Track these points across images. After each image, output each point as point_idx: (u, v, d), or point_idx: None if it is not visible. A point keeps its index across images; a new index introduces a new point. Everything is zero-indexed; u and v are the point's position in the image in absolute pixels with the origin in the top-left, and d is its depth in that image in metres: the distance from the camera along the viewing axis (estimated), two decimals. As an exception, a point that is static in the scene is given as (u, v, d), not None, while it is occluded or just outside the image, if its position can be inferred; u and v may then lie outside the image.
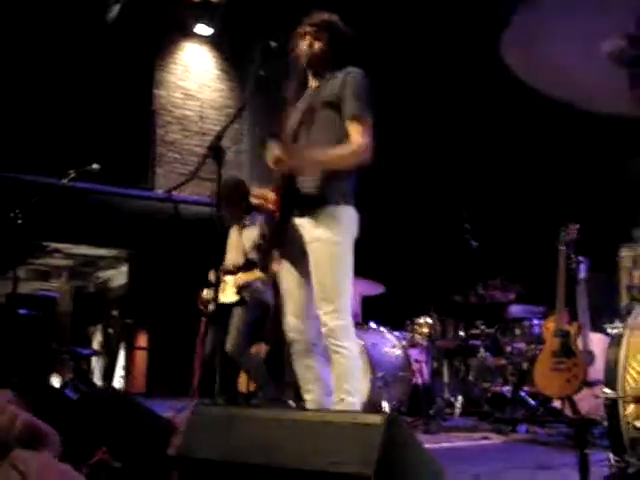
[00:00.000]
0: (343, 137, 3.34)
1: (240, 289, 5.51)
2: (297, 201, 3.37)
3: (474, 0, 7.31)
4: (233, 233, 5.78)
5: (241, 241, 5.66)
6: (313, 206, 3.32)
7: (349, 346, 3.30)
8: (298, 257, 3.43)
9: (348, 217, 3.37)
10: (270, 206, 3.44)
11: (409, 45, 8.19)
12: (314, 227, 3.32)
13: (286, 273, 3.51)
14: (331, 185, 3.32)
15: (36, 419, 1.98)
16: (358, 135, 3.31)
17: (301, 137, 3.42)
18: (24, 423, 2.03)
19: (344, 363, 3.29)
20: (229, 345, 5.38)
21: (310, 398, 3.45)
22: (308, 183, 3.34)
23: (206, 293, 5.81)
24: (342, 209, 3.34)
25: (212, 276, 5.70)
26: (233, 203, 5.51)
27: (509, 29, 1.98)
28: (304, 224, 3.36)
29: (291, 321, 3.46)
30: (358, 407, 3.29)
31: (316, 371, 3.45)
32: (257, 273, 5.43)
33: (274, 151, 3.28)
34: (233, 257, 5.66)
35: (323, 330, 3.30)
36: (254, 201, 3.57)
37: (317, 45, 3.50)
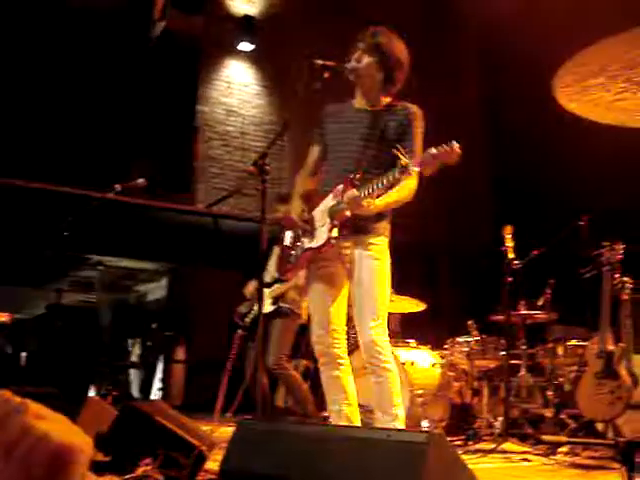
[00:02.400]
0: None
1: (276, 299, 5.54)
2: (350, 228, 3.51)
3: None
4: (277, 248, 5.78)
5: None
6: (366, 233, 3.52)
7: (392, 360, 3.47)
8: (333, 276, 3.62)
9: (385, 246, 3.60)
10: (326, 235, 3.56)
11: None
12: (365, 251, 3.50)
13: (315, 290, 3.64)
14: (381, 218, 3.56)
15: (60, 440, 1.97)
16: (413, 178, 3.42)
17: (362, 164, 3.50)
18: (50, 451, 2.04)
19: (393, 379, 3.42)
20: (270, 359, 5.40)
21: (335, 409, 3.53)
22: (363, 216, 3.49)
23: (241, 307, 5.85)
24: (384, 240, 3.59)
25: (250, 288, 5.73)
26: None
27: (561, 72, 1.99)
28: (353, 246, 3.53)
29: (317, 333, 3.56)
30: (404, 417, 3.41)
31: (342, 382, 3.54)
32: (292, 282, 5.44)
33: (353, 196, 3.38)
34: (274, 271, 5.68)
35: (368, 347, 3.38)
36: (297, 221, 3.66)
37: (365, 60, 3.53)
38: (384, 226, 3.59)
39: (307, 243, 3.59)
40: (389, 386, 3.41)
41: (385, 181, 3.28)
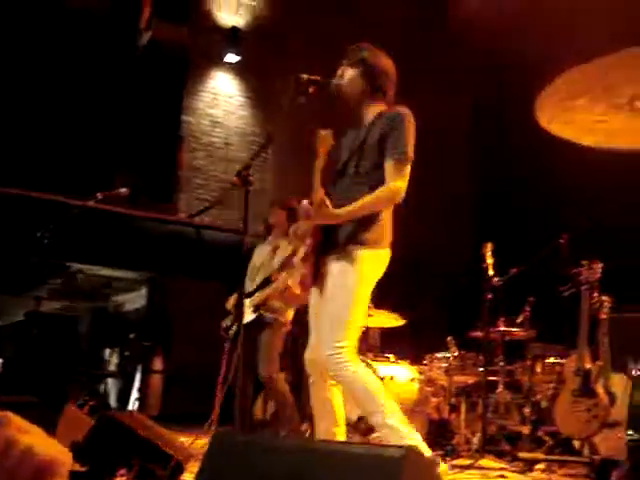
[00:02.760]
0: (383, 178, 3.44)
1: (257, 307, 5.52)
2: (329, 241, 3.49)
3: None
4: (263, 252, 5.78)
5: (272, 263, 5.66)
6: (341, 246, 3.43)
7: (349, 371, 3.34)
8: (324, 293, 3.53)
9: (370, 259, 3.44)
10: (304, 249, 3.61)
11: None
12: (333, 265, 3.44)
13: (311, 308, 3.59)
14: (360, 227, 3.43)
15: (43, 454, 1.96)
16: (395, 177, 3.39)
17: (347, 175, 3.51)
18: (35, 466, 2.03)
19: (353, 389, 3.35)
20: (262, 372, 5.40)
21: (323, 426, 3.51)
22: (339, 227, 3.45)
23: (225, 321, 5.83)
24: (368, 250, 3.43)
25: (232, 301, 5.72)
26: (291, 215, 5.59)
27: (544, 93, 2.02)
28: (330, 262, 3.47)
29: (309, 354, 3.54)
30: (396, 423, 3.27)
31: (332, 402, 3.52)
32: (271, 289, 5.44)
33: (306, 209, 3.41)
34: (260, 279, 5.67)
35: (326, 360, 3.36)
36: (293, 239, 3.67)
37: (348, 73, 3.55)
38: (361, 235, 3.43)
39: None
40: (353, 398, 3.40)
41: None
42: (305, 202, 3.48)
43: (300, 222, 3.68)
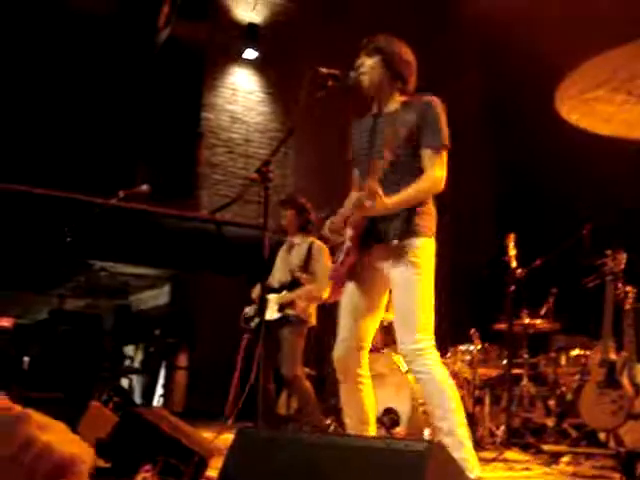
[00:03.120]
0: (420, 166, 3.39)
1: (283, 307, 5.52)
2: (378, 234, 3.39)
3: None
4: (282, 252, 5.82)
5: (288, 259, 5.69)
6: (396, 238, 3.34)
7: (433, 368, 3.30)
8: (364, 289, 3.49)
9: (429, 248, 3.40)
10: (348, 243, 3.45)
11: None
12: (396, 258, 3.33)
13: (345, 304, 3.53)
14: (414, 218, 3.37)
15: (62, 451, 1.96)
16: (435, 167, 3.35)
17: (386, 170, 3.34)
18: (54, 462, 2.03)
19: (430, 387, 3.31)
20: (285, 371, 5.39)
21: (349, 424, 3.48)
22: (391, 217, 3.36)
23: (248, 310, 5.83)
24: (424, 240, 3.38)
25: (257, 291, 5.72)
26: (300, 213, 5.60)
27: (564, 84, 2.00)
28: (385, 256, 3.38)
29: (339, 349, 3.48)
30: (459, 433, 3.24)
31: (362, 400, 3.47)
32: (300, 291, 5.45)
33: (360, 196, 3.26)
34: (279, 275, 5.69)
35: (406, 357, 3.34)
36: (329, 235, 3.59)
37: (367, 63, 3.49)
38: (416, 226, 3.37)
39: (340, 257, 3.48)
40: (425, 395, 3.37)
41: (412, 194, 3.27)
42: (355, 193, 3.41)
43: (334, 217, 3.61)
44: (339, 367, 3.48)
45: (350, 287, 3.51)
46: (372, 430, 3.50)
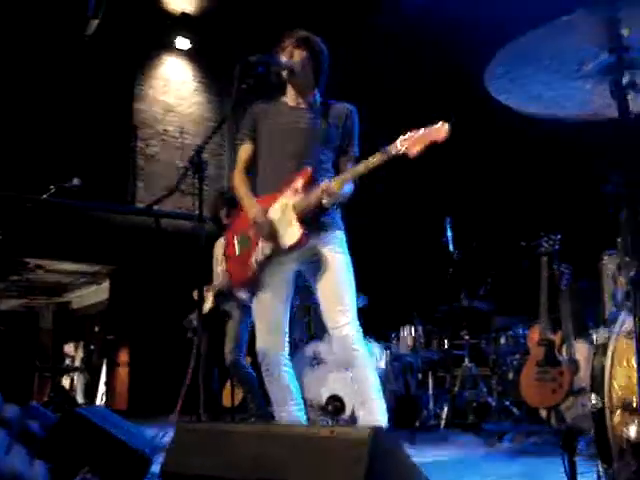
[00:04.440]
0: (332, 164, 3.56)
1: (216, 296, 5.54)
2: (314, 226, 3.45)
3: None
4: (220, 246, 5.78)
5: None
6: (330, 230, 3.49)
7: (365, 352, 3.41)
8: (285, 279, 3.55)
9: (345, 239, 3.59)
10: (299, 232, 3.46)
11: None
12: (330, 248, 3.46)
13: (265, 293, 3.52)
14: (338, 214, 3.58)
15: None
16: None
17: (309, 157, 3.47)
18: None
19: (366, 365, 3.40)
20: (228, 358, 5.40)
21: (284, 413, 3.51)
22: (327, 211, 3.48)
23: (188, 319, 5.84)
24: (344, 234, 3.57)
25: (195, 295, 5.69)
26: (233, 207, 5.57)
27: (492, 63, 2.00)
28: (321, 245, 3.47)
29: (263, 342, 3.52)
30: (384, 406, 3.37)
31: (288, 383, 3.52)
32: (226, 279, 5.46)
33: (327, 185, 3.33)
34: (221, 270, 5.66)
35: (342, 340, 3.38)
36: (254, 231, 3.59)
37: (297, 54, 3.50)
38: (339, 220, 3.58)
39: (268, 246, 3.49)
40: (361, 374, 3.41)
41: (363, 167, 3.29)
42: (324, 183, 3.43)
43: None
44: (263, 356, 3.51)
45: (269, 276, 3.53)
46: (301, 409, 3.56)
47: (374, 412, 3.33)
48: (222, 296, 5.57)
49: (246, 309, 5.60)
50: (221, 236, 5.86)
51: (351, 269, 3.49)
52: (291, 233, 3.40)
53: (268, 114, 3.64)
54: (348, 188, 3.42)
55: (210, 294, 5.58)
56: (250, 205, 3.53)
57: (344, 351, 3.39)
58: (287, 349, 3.57)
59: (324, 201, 3.34)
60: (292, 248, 3.41)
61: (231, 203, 5.64)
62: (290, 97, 3.63)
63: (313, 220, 3.43)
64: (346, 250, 3.51)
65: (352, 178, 3.38)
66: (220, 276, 5.67)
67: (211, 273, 5.82)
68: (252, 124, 3.67)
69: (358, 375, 3.40)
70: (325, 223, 3.48)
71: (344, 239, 3.54)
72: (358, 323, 3.41)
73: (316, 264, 3.47)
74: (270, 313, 3.53)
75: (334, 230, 3.50)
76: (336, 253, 3.46)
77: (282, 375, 3.52)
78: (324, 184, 3.32)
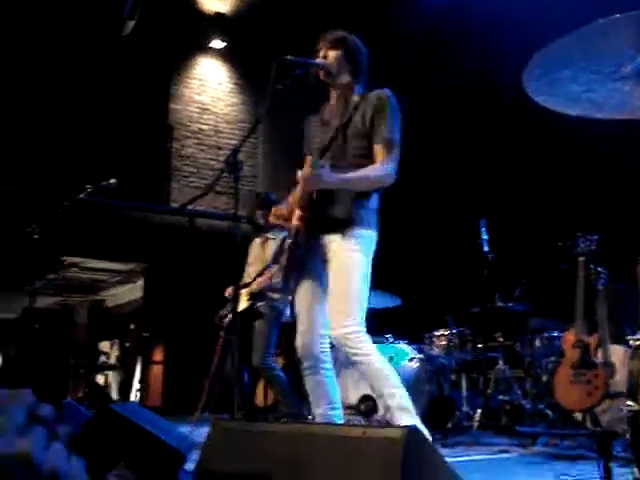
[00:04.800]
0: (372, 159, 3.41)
1: (252, 296, 5.55)
2: (324, 221, 3.41)
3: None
4: (255, 247, 5.84)
5: (263, 254, 5.71)
6: (341, 227, 3.38)
7: (366, 351, 3.31)
8: (317, 275, 3.50)
9: (369, 238, 3.43)
10: (295, 223, 3.45)
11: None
12: (339, 244, 3.37)
13: (303, 290, 3.53)
14: (360, 208, 3.40)
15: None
16: (385, 159, 3.37)
17: (335, 155, 3.40)
18: None
19: (369, 370, 3.31)
20: (255, 359, 5.42)
21: (318, 412, 3.49)
22: (336, 206, 3.40)
23: (222, 310, 5.86)
24: (367, 231, 3.42)
25: (229, 290, 5.72)
26: (269, 210, 5.61)
27: (530, 65, 2.00)
28: (329, 242, 3.41)
29: (301, 339, 3.50)
30: (407, 405, 3.27)
31: (326, 387, 3.49)
32: (267, 280, 5.47)
33: (305, 169, 3.30)
34: (253, 270, 5.70)
35: (338, 342, 3.33)
36: (273, 220, 3.59)
37: (331, 55, 3.51)
38: (360, 216, 3.42)
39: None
40: (367, 379, 3.36)
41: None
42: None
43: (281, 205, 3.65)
44: (302, 354, 3.49)
45: (302, 275, 3.53)
46: (339, 414, 3.53)
47: (395, 402, 3.25)
48: (257, 296, 5.58)
49: (277, 310, 5.63)
50: (257, 237, 5.90)
51: (359, 268, 3.37)
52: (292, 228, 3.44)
53: (317, 121, 3.67)
54: (343, 177, 3.33)
55: (244, 293, 5.60)
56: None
57: (344, 352, 3.36)
58: (327, 348, 3.57)
59: (303, 187, 3.32)
60: (293, 243, 3.42)
61: (267, 205, 5.69)
62: (332, 98, 3.64)
63: (319, 212, 3.41)
64: (359, 247, 3.38)
65: (344, 179, 3.34)
66: (251, 276, 5.70)
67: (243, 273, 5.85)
68: (306, 136, 3.71)
69: (366, 374, 3.38)
70: (335, 219, 3.41)
71: (361, 235, 3.40)
72: (359, 321, 3.31)
73: (329, 262, 3.43)
74: (305, 309, 3.52)
75: (347, 226, 3.38)
76: (341, 251, 3.38)
77: (320, 374, 3.51)
78: (303, 171, 3.30)
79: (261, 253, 5.76)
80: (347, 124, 3.41)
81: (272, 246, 5.66)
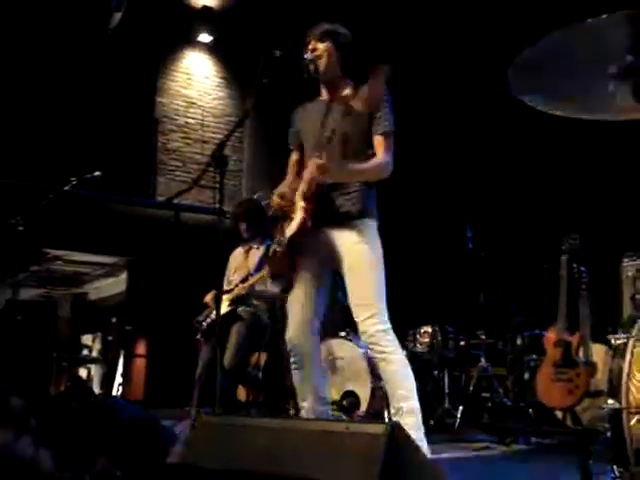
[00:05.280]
0: (371, 151, 3.41)
1: (234, 301, 5.54)
2: (333, 213, 3.40)
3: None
4: (237, 256, 5.83)
5: (246, 263, 5.71)
6: (351, 219, 3.39)
7: (393, 350, 3.31)
8: (315, 269, 3.50)
9: (376, 230, 3.46)
10: (300, 215, 3.41)
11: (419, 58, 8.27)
12: (351, 238, 3.37)
13: (298, 282, 3.51)
14: (369, 200, 3.44)
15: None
16: (384, 151, 3.38)
17: (333, 148, 3.35)
18: None
19: (391, 369, 3.30)
20: (227, 362, 5.36)
21: (305, 406, 3.48)
22: (346, 198, 3.41)
23: (200, 315, 5.85)
24: (375, 221, 3.45)
25: (209, 296, 5.72)
26: (253, 222, 5.61)
27: (514, 66, 2.01)
28: (339, 236, 3.41)
29: (293, 333, 3.48)
30: (418, 409, 3.28)
31: (313, 381, 3.48)
32: (251, 279, 5.47)
33: (318, 160, 3.26)
34: (235, 278, 5.70)
35: (364, 337, 3.32)
36: (278, 202, 3.52)
37: (320, 47, 3.49)
38: (369, 208, 3.45)
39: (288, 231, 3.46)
40: (388, 375, 3.34)
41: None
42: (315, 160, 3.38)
43: (282, 189, 3.59)
44: (293, 348, 3.48)
45: (298, 267, 3.50)
46: (327, 410, 3.53)
47: (407, 405, 3.26)
48: (239, 301, 5.57)
49: (256, 315, 5.62)
50: (239, 246, 5.89)
51: (376, 261, 3.38)
52: (296, 217, 3.40)
53: (306, 113, 3.65)
54: (350, 168, 3.35)
55: (225, 298, 5.56)
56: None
57: (368, 346, 3.37)
58: (317, 343, 3.56)
59: (310, 176, 3.29)
60: (296, 234, 3.38)
61: (250, 219, 5.68)
62: (323, 92, 3.63)
63: (326, 205, 3.39)
64: (371, 239, 3.39)
65: (351, 169, 3.36)
66: (232, 283, 5.69)
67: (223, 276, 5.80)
68: (295, 127, 3.69)
69: (382, 375, 3.38)
70: (345, 212, 3.40)
71: (370, 226, 3.42)
72: (385, 318, 3.32)
73: (339, 255, 3.41)
74: (299, 305, 3.51)
75: (356, 217, 3.39)
76: (355, 244, 3.37)
77: (310, 368, 3.50)
78: (311, 162, 3.29)
79: (244, 262, 5.76)
80: (342, 119, 3.34)
81: (255, 255, 5.66)
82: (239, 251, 5.87)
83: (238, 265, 5.78)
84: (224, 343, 5.41)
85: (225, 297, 5.55)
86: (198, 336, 5.73)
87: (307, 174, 3.34)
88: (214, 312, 5.53)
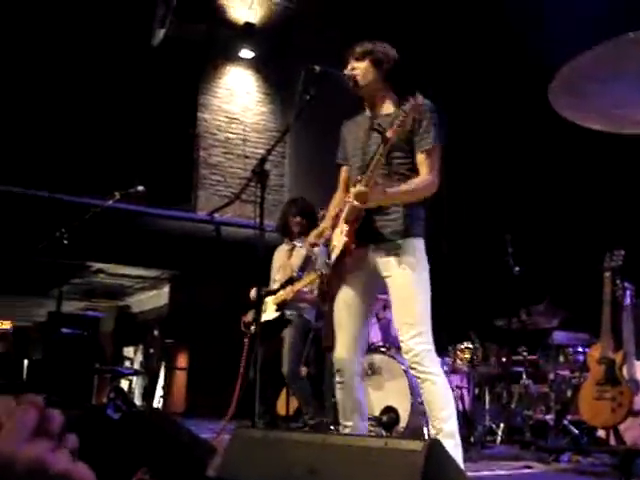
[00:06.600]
0: (414, 168, 3.43)
1: (280, 306, 5.54)
2: (376, 234, 3.42)
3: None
4: (281, 254, 5.84)
5: (290, 262, 5.72)
6: (394, 239, 3.39)
7: (436, 371, 3.31)
8: (360, 289, 3.53)
9: (422, 249, 3.47)
10: (343, 239, 3.43)
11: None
12: (396, 258, 3.37)
13: (342, 304, 3.53)
14: (412, 219, 3.43)
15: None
16: (429, 168, 3.39)
17: (377, 167, 3.35)
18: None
19: (434, 390, 3.29)
20: (285, 369, 5.41)
21: (350, 425, 3.48)
22: (387, 219, 3.42)
23: (248, 315, 5.85)
24: (420, 241, 3.46)
25: (253, 293, 5.72)
26: (306, 217, 5.62)
27: (555, 80, 1.99)
28: (383, 255, 3.41)
29: (341, 352, 3.49)
30: (457, 431, 3.27)
31: (357, 401, 3.49)
32: (298, 285, 5.48)
33: (358, 188, 3.28)
34: (280, 277, 5.71)
35: (407, 356, 3.32)
36: (313, 241, 3.60)
37: (359, 67, 3.51)
38: (413, 227, 3.45)
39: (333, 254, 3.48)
40: (431, 396, 3.31)
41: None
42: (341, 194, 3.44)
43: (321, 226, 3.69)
44: (340, 367, 3.49)
45: (344, 286, 3.52)
46: (366, 426, 3.54)
47: (448, 427, 3.24)
48: (285, 305, 5.58)
49: (305, 318, 5.63)
50: (283, 243, 5.91)
51: (421, 280, 3.38)
52: (338, 243, 3.43)
53: (352, 129, 3.68)
54: (394, 191, 3.33)
55: (271, 302, 5.58)
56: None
57: (410, 365, 3.36)
58: (362, 362, 3.57)
59: (354, 203, 3.29)
60: (340, 259, 3.42)
61: (302, 211, 5.70)
62: (366, 109, 3.65)
63: (369, 226, 3.39)
64: (416, 259, 3.39)
65: (395, 192, 3.34)
66: (276, 283, 5.70)
67: (269, 280, 5.85)
68: (342, 144, 3.73)
69: (423, 395, 3.37)
70: (384, 230, 3.41)
71: (415, 246, 3.41)
72: (429, 339, 3.32)
73: (385, 275, 3.42)
74: (345, 324, 3.52)
75: (399, 237, 3.40)
76: (399, 264, 3.36)
77: (355, 387, 3.51)
78: (355, 189, 3.29)
79: (288, 261, 5.75)
80: (386, 137, 3.34)
81: (299, 255, 5.66)
82: (283, 248, 5.88)
83: (282, 264, 5.80)
84: (273, 348, 5.46)
85: (270, 299, 5.56)
86: (246, 340, 5.73)
87: (348, 199, 3.37)
88: (262, 314, 5.55)
